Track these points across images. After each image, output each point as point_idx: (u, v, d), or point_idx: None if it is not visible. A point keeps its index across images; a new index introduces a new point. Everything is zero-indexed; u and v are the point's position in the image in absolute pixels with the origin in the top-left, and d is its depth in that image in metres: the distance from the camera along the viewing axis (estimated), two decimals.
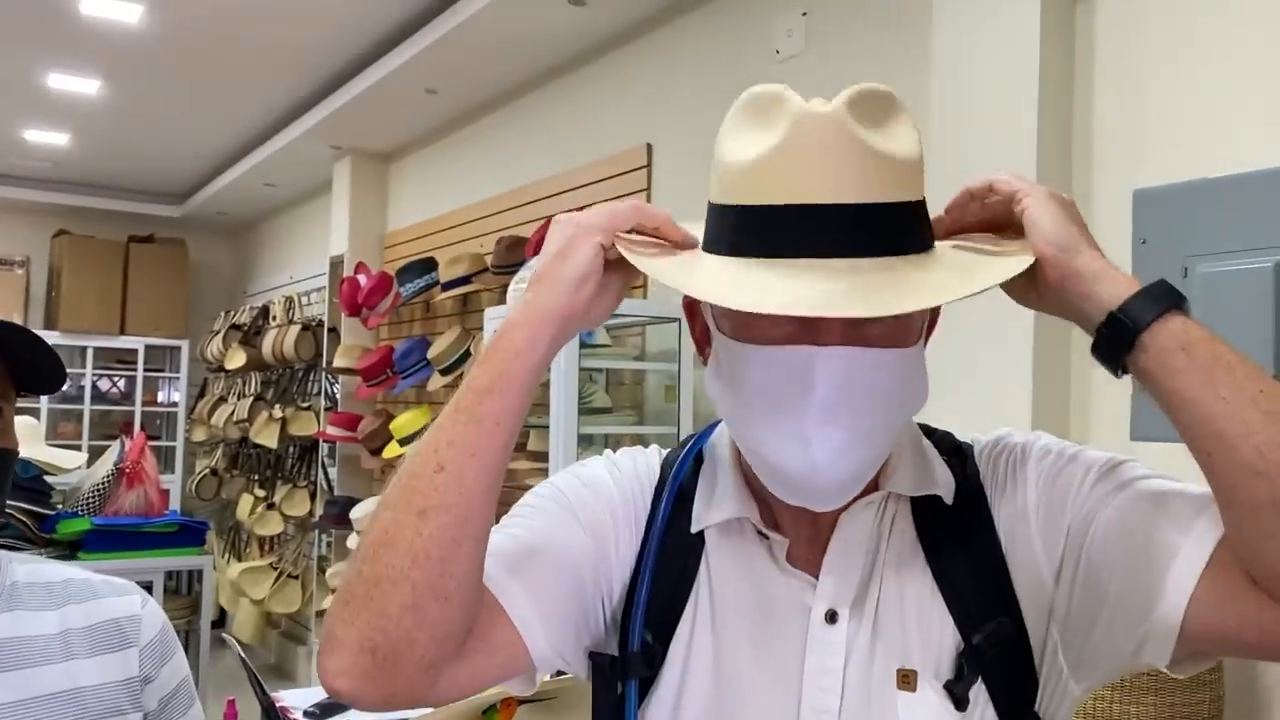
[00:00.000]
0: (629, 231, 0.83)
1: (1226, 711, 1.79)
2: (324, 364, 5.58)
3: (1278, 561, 0.70)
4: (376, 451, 4.68)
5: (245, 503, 6.40)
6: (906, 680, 0.82)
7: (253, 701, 2.34)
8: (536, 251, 3.50)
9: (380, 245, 5.52)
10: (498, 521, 0.87)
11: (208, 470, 7.11)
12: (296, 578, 6.04)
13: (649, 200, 3.40)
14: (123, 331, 7.32)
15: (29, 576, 1.15)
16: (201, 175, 6.86)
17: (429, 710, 2.72)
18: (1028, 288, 0.81)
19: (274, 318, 6.59)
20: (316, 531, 5.70)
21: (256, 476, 6.60)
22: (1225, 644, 0.77)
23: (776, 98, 0.79)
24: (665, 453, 0.98)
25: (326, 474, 5.64)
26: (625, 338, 3.48)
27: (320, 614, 5.49)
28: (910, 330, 0.81)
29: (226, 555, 6.97)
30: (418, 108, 4.67)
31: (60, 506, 3.30)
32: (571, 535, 0.89)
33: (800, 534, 0.88)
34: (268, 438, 6.01)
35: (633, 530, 0.91)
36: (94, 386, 7.40)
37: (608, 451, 0.99)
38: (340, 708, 2.65)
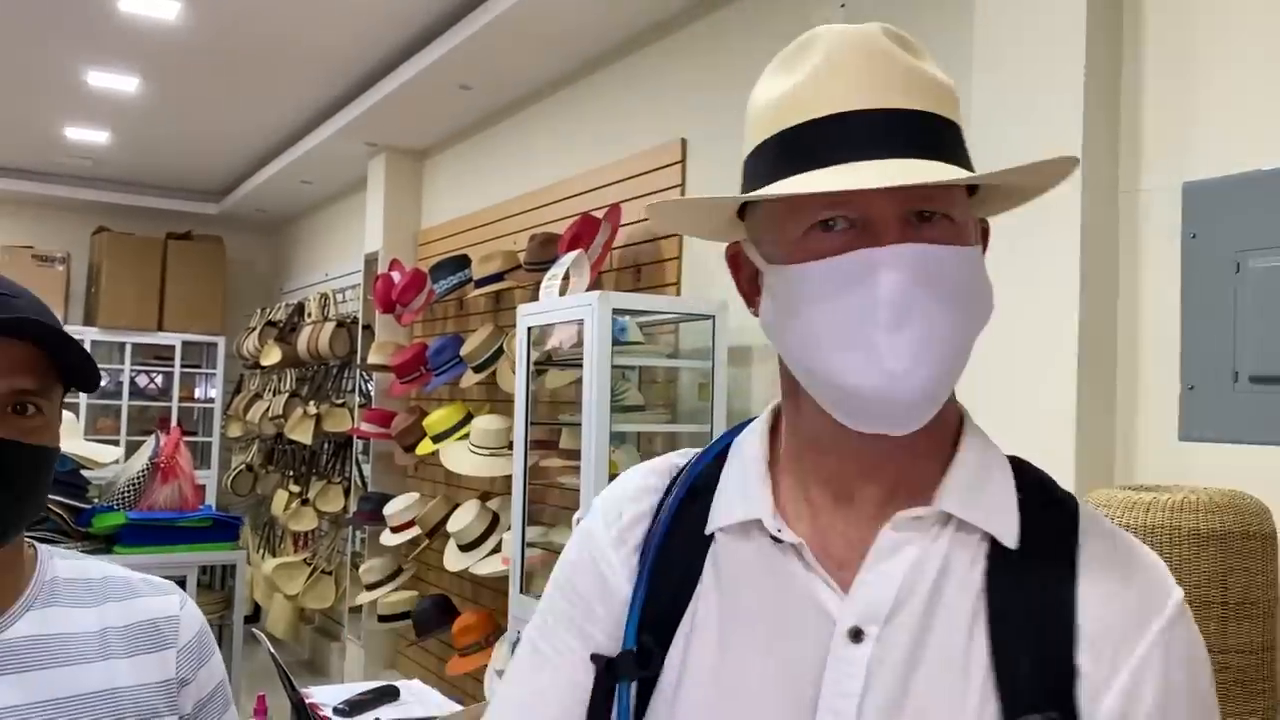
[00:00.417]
0: None
1: None
2: (358, 360, 5.60)
3: None
4: (410, 448, 4.68)
5: (280, 498, 6.44)
6: None
7: (284, 697, 2.34)
8: (570, 248, 3.50)
9: (414, 242, 5.53)
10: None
11: (243, 466, 7.17)
12: (330, 573, 6.07)
13: (683, 196, 3.37)
14: (160, 328, 7.40)
15: (70, 572, 1.12)
16: (238, 173, 6.92)
17: (457, 709, 2.71)
18: None
19: (309, 314, 6.63)
20: (350, 528, 5.73)
21: (291, 472, 6.65)
22: None
23: (809, 36, 0.80)
24: (689, 454, 0.92)
25: (360, 470, 5.67)
26: (658, 335, 3.45)
27: (354, 610, 5.51)
28: (966, 232, 0.78)
29: (261, 550, 7.03)
30: (451, 104, 4.68)
31: (96, 500, 3.32)
32: (564, 668, 0.86)
33: (833, 538, 0.81)
34: (302, 434, 6.04)
35: (631, 551, 0.87)
36: (132, 382, 7.49)
37: (596, 501, 0.94)
38: (369, 704, 2.65)
